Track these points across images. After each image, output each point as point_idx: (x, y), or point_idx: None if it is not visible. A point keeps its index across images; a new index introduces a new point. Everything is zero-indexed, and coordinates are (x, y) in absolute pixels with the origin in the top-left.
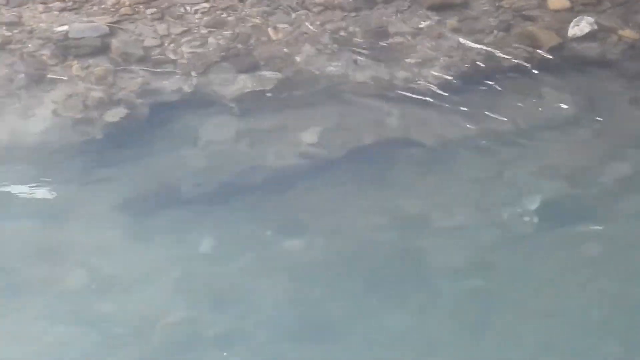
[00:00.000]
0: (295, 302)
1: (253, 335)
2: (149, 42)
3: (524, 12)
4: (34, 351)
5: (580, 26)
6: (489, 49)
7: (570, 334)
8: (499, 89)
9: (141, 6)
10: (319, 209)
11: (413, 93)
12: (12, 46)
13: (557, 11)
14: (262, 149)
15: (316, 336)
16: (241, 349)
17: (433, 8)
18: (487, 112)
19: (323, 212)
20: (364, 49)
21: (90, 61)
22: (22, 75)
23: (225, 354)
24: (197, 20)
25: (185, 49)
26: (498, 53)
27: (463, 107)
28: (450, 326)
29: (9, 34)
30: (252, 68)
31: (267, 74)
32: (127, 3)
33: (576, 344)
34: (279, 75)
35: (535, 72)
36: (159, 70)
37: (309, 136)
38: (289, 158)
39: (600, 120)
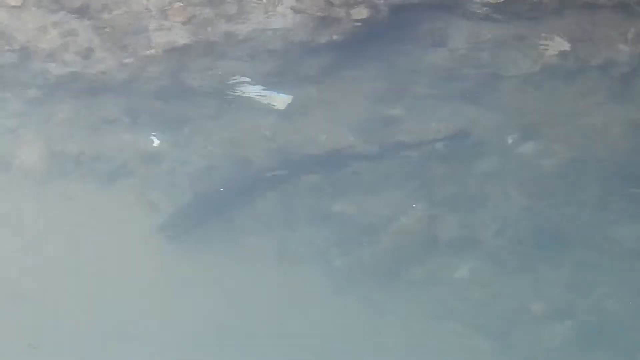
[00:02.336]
0: (528, 209)
1: (484, 240)
2: None
3: None
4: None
5: None
6: None
7: None
8: None
9: None
10: (559, 115)
11: None
12: None
13: None
14: (503, 56)
15: (547, 244)
16: (473, 254)
17: None
18: None
19: (562, 119)
20: None
21: None
22: None
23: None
24: None
25: None
26: None
27: None
28: None
29: None
30: None
31: None
32: None
33: None
34: None
35: None
36: None
37: (555, 45)
38: (531, 67)
39: None
